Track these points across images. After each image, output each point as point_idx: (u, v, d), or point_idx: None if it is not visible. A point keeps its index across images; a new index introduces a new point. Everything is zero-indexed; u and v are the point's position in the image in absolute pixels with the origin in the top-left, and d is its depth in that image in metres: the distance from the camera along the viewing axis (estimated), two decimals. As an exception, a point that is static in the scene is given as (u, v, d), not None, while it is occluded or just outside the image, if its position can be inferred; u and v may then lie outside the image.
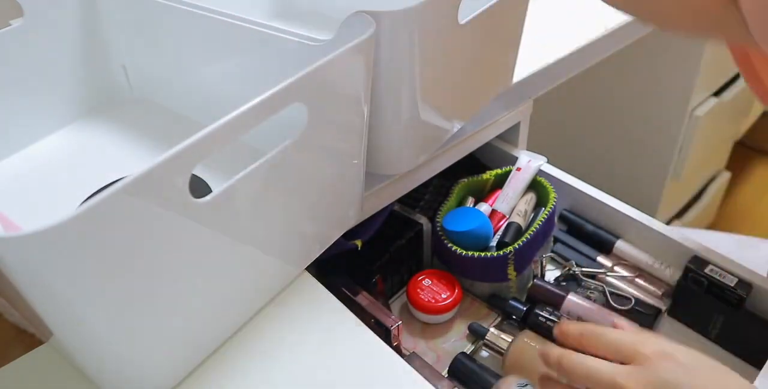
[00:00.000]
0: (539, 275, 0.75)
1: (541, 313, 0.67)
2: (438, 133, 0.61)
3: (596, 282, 0.74)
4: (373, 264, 0.69)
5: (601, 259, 0.76)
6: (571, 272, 0.75)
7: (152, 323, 0.41)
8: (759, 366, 0.60)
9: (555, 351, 0.46)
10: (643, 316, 0.67)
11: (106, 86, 0.71)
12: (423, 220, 0.73)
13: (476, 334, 0.68)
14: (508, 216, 0.74)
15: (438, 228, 0.71)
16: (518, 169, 0.76)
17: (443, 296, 0.70)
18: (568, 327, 0.48)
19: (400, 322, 0.61)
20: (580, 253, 0.77)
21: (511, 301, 0.70)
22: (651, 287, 0.72)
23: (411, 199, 0.76)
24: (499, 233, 0.72)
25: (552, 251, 0.79)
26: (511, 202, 0.74)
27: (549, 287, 0.70)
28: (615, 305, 0.69)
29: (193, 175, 0.36)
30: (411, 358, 0.64)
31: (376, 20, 0.46)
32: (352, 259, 0.66)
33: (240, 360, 0.48)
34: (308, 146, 0.45)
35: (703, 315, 0.67)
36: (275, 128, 0.47)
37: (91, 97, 0.70)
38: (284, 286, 0.53)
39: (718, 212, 1.75)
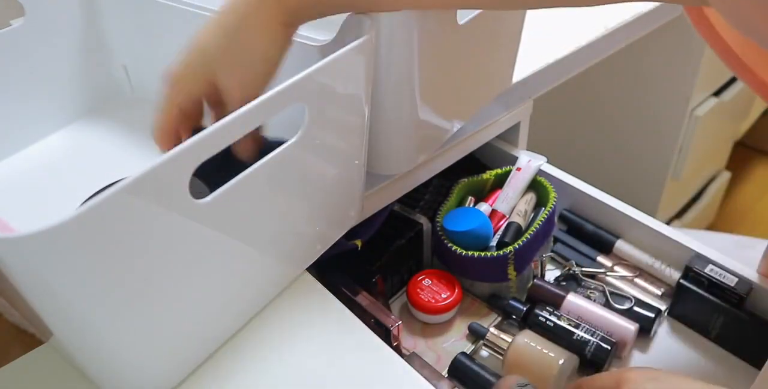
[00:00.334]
0: (539, 275, 0.75)
1: (541, 313, 0.67)
2: (438, 133, 0.61)
3: (596, 282, 0.74)
4: (373, 264, 0.69)
5: (601, 259, 0.76)
6: (571, 272, 0.75)
7: (152, 323, 0.41)
8: (759, 366, 0.60)
9: None
10: (643, 316, 0.67)
11: (107, 86, 0.71)
12: (423, 220, 0.73)
13: (476, 334, 0.68)
14: (508, 216, 0.74)
15: (438, 228, 0.71)
16: (518, 169, 0.76)
17: (443, 296, 0.70)
18: None
19: (400, 322, 0.61)
20: (580, 253, 0.78)
21: (511, 301, 0.70)
22: (651, 288, 0.72)
23: (411, 199, 0.76)
24: (499, 233, 0.72)
25: (552, 251, 0.79)
26: (511, 202, 0.74)
27: (549, 287, 0.70)
28: (615, 305, 0.69)
29: (194, 176, 0.36)
30: (411, 358, 0.64)
31: (376, 21, 0.46)
32: (352, 259, 0.65)
33: (240, 361, 0.48)
34: (309, 146, 0.45)
35: (703, 315, 0.67)
36: (276, 129, 0.47)
37: (92, 97, 0.70)
38: (285, 286, 0.53)
39: (718, 212, 1.75)
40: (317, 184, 0.49)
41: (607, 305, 0.70)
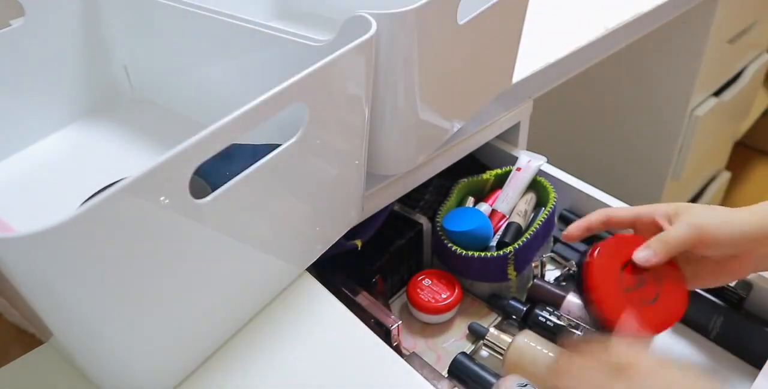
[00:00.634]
0: (539, 275, 0.75)
1: (541, 313, 0.67)
2: (438, 133, 0.61)
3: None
4: (373, 264, 0.69)
5: (601, 259, 0.76)
6: (571, 272, 0.75)
7: (152, 323, 0.41)
8: (759, 366, 0.60)
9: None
10: (643, 316, 0.67)
11: (107, 86, 0.71)
12: (423, 220, 0.73)
13: (476, 334, 0.68)
14: (508, 216, 0.74)
15: (438, 228, 0.71)
16: (518, 169, 0.76)
17: (443, 296, 0.70)
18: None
19: (400, 322, 0.61)
20: (580, 253, 0.77)
21: (511, 301, 0.70)
22: (651, 288, 0.72)
23: (411, 199, 0.76)
24: (499, 233, 0.72)
25: (552, 251, 0.79)
26: (511, 202, 0.74)
27: (549, 287, 0.70)
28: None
29: (194, 175, 0.36)
30: (411, 358, 0.64)
31: (377, 21, 0.46)
32: (352, 259, 0.66)
33: (240, 361, 0.48)
34: (309, 146, 0.45)
35: (703, 315, 0.67)
36: (276, 129, 0.47)
37: (92, 97, 0.70)
38: (285, 286, 0.53)
39: (718, 212, 1.74)
40: (317, 184, 0.49)
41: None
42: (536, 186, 0.76)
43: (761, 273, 0.64)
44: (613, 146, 1.43)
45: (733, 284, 0.64)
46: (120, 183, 0.33)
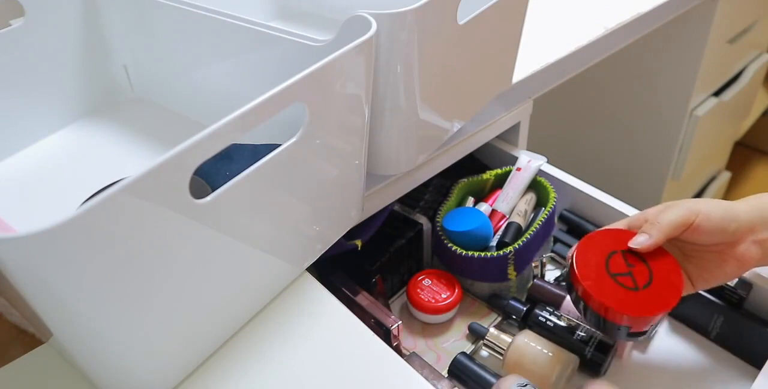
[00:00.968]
0: (539, 275, 0.75)
1: (541, 313, 0.67)
2: (438, 133, 0.61)
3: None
4: (373, 264, 0.69)
5: (601, 259, 0.76)
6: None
7: (152, 323, 0.41)
8: (759, 366, 0.60)
9: None
10: (643, 316, 0.67)
11: (107, 86, 0.71)
12: (423, 220, 0.73)
13: (476, 334, 0.68)
14: (508, 216, 0.74)
15: (438, 228, 0.71)
16: (518, 169, 0.76)
17: (443, 296, 0.70)
18: None
19: (400, 322, 0.61)
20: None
21: (511, 301, 0.70)
22: (651, 288, 0.72)
23: (411, 199, 0.76)
24: (499, 233, 0.72)
25: (552, 251, 0.79)
26: (511, 202, 0.74)
27: (549, 287, 0.70)
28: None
29: (194, 175, 0.36)
30: (411, 358, 0.64)
31: (377, 21, 0.46)
32: (352, 259, 0.66)
33: (240, 361, 0.48)
34: (309, 146, 0.45)
35: (703, 315, 0.67)
36: (276, 129, 0.47)
37: (92, 97, 0.70)
38: (285, 286, 0.53)
39: (718, 212, 1.74)
40: (317, 184, 0.49)
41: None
42: (536, 186, 0.76)
43: (761, 274, 0.64)
44: (613, 146, 1.43)
45: (732, 284, 0.64)
46: (120, 183, 0.33)
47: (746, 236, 0.54)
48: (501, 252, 0.67)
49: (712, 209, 0.53)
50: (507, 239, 0.70)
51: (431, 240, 0.75)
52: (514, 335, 0.65)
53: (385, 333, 0.60)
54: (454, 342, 0.70)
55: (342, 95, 0.46)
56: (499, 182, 0.77)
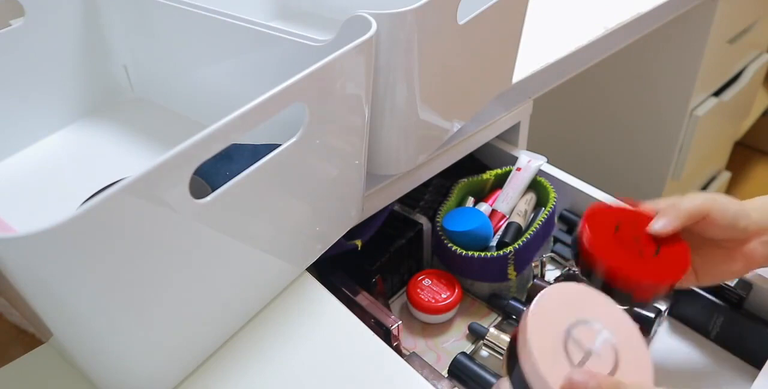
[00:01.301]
0: (539, 275, 0.75)
1: (541, 313, 0.67)
2: (438, 133, 0.61)
3: (596, 282, 0.74)
4: (373, 264, 0.69)
5: (601, 259, 0.76)
6: (571, 272, 0.75)
7: (152, 323, 0.41)
8: (759, 366, 0.60)
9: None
10: (643, 316, 0.67)
11: (107, 86, 0.71)
12: (423, 220, 0.73)
13: (476, 334, 0.68)
14: (508, 216, 0.74)
15: (438, 228, 0.71)
16: (518, 169, 0.76)
17: (443, 296, 0.70)
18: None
19: (400, 322, 0.61)
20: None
21: (511, 301, 0.70)
22: (651, 288, 0.72)
23: (411, 199, 0.76)
24: (499, 233, 0.72)
25: (552, 251, 0.79)
26: (511, 202, 0.74)
27: (549, 287, 0.70)
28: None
29: (194, 175, 0.36)
30: (411, 358, 0.64)
31: (377, 21, 0.46)
32: (352, 259, 0.66)
33: (240, 361, 0.48)
34: (309, 146, 0.45)
35: (703, 315, 0.67)
36: (276, 128, 0.47)
37: (92, 97, 0.70)
38: (285, 286, 0.53)
39: (718, 212, 1.74)
40: (317, 184, 0.49)
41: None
42: (536, 186, 0.76)
43: (761, 273, 0.64)
44: (613, 146, 1.43)
45: (732, 284, 0.64)
46: (120, 183, 0.33)
47: (756, 235, 0.55)
48: (501, 252, 0.67)
49: (727, 203, 0.54)
50: (507, 239, 0.70)
51: (431, 240, 0.75)
52: (514, 335, 0.65)
53: (385, 333, 0.60)
54: (454, 342, 0.70)
55: (342, 95, 0.46)
56: (499, 182, 0.77)
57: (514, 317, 0.69)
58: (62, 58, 0.66)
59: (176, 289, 0.41)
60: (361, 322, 0.51)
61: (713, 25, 1.13)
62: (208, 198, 0.39)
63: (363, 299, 0.63)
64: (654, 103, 1.30)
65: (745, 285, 0.64)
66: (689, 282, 0.57)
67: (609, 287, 0.53)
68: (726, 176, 1.69)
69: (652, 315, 0.67)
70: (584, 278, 0.56)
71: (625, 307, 0.61)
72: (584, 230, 0.54)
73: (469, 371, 0.63)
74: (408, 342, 0.70)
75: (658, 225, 0.54)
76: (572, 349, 0.41)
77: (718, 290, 0.65)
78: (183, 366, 0.47)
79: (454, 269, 0.73)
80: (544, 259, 0.75)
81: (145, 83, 0.72)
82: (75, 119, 0.69)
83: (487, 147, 0.79)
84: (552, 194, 0.73)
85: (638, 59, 1.26)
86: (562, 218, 0.80)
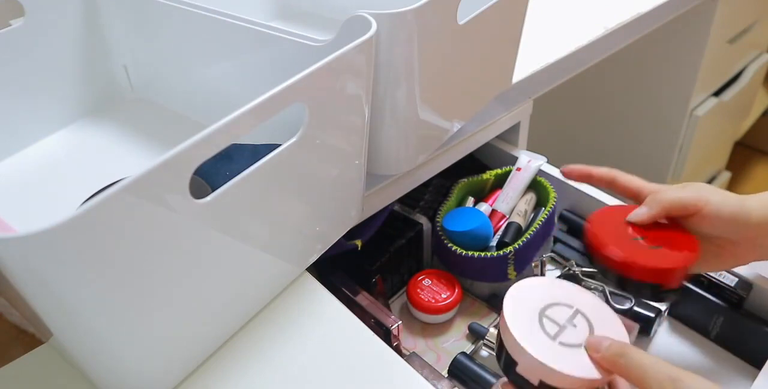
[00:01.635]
0: (539, 275, 0.75)
1: (541, 313, 0.67)
2: (438, 133, 0.61)
3: (596, 282, 0.74)
4: (373, 264, 0.69)
5: (601, 259, 0.76)
6: (571, 272, 0.75)
7: (152, 323, 0.41)
8: (759, 366, 0.60)
9: (613, 346, 0.44)
10: (643, 316, 0.67)
11: (107, 86, 0.71)
12: (423, 220, 0.73)
13: (476, 334, 0.68)
14: (508, 216, 0.74)
15: (438, 228, 0.71)
16: (518, 169, 0.76)
17: (443, 296, 0.70)
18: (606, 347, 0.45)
19: (400, 322, 0.61)
20: (580, 253, 0.78)
21: (511, 301, 0.70)
22: (651, 288, 0.72)
23: (411, 199, 0.76)
24: (499, 233, 0.72)
25: (552, 251, 0.79)
26: (511, 202, 0.74)
27: (549, 287, 0.70)
28: (615, 305, 0.69)
29: (194, 175, 0.36)
30: (411, 358, 0.64)
31: (377, 21, 0.46)
32: (352, 259, 0.66)
33: (240, 361, 0.48)
34: (309, 146, 0.45)
35: (703, 315, 0.67)
36: (276, 128, 0.47)
37: (92, 97, 0.70)
38: (285, 286, 0.53)
39: (718, 212, 1.74)
40: (317, 184, 0.49)
41: (607, 305, 0.69)
42: (536, 186, 0.76)
43: (762, 274, 0.64)
44: (613, 146, 1.43)
45: (733, 284, 0.64)
46: (120, 183, 0.33)
47: (752, 238, 0.53)
48: (501, 252, 0.67)
49: (723, 203, 0.52)
50: (507, 239, 0.70)
51: (431, 240, 0.75)
52: (514, 335, 0.65)
53: (385, 333, 0.60)
54: (454, 342, 0.70)
55: (342, 95, 0.46)
56: (499, 182, 0.77)
57: (514, 317, 0.69)
58: (62, 58, 0.66)
59: (176, 289, 0.41)
60: (361, 322, 0.51)
61: (713, 25, 1.13)
62: (208, 198, 0.39)
63: (363, 299, 0.63)
64: (654, 103, 1.30)
65: (745, 285, 0.64)
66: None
67: (626, 281, 0.53)
68: (726, 176, 1.69)
69: (653, 315, 0.67)
70: (601, 275, 0.56)
71: (648, 300, 0.61)
72: (590, 229, 0.55)
73: (469, 371, 0.63)
74: (408, 342, 0.70)
75: (636, 214, 0.55)
76: (548, 324, 0.46)
77: (718, 290, 0.65)
78: (183, 366, 0.47)
79: (454, 269, 0.73)
80: (544, 259, 0.75)
81: (145, 83, 0.72)
82: (75, 119, 0.69)
83: (487, 147, 0.79)
84: (552, 194, 0.73)
85: (638, 59, 1.26)
86: (562, 218, 0.80)
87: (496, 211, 0.74)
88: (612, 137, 1.42)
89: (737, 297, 0.64)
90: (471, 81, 0.62)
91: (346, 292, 0.63)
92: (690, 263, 0.52)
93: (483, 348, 0.67)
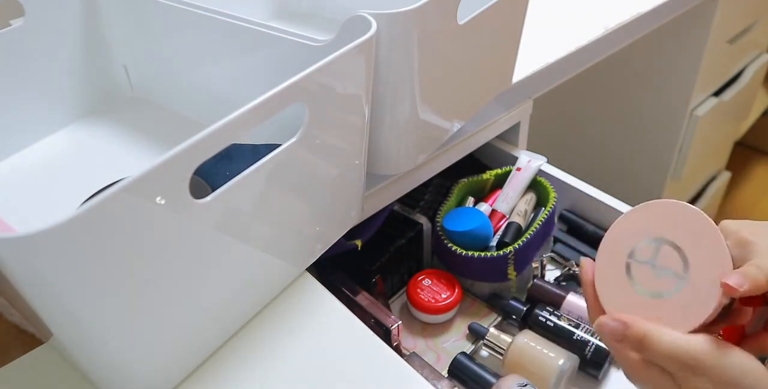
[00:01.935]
0: (539, 275, 0.75)
1: (541, 313, 0.67)
2: (438, 133, 0.61)
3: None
4: (373, 264, 0.69)
5: (601, 259, 0.76)
6: (571, 272, 0.75)
7: (152, 323, 0.41)
8: (759, 366, 0.60)
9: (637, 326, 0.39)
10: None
11: (107, 86, 0.71)
12: (423, 220, 0.73)
13: (476, 334, 0.68)
14: (508, 216, 0.74)
15: (438, 228, 0.71)
16: (518, 169, 0.76)
17: (443, 296, 0.70)
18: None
19: (400, 322, 0.61)
20: (580, 253, 0.78)
21: (511, 301, 0.70)
22: (651, 288, 0.72)
23: (411, 199, 0.76)
24: (499, 233, 0.72)
25: (552, 251, 0.79)
26: (511, 202, 0.74)
27: (549, 287, 0.70)
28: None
29: (194, 175, 0.36)
30: (411, 358, 0.64)
31: (377, 21, 0.46)
32: (352, 259, 0.66)
33: (240, 361, 0.48)
34: (309, 146, 0.45)
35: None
36: (276, 128, 0.47)
37: (92, 97, 0.70)
38: (285, 286, 0.53)
39: (718, 213, 1.75)
40: (317, 184, 0.49)
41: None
42: (536, 186, 0.76)
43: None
44: (613, 146, 1.43)
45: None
46: (120, 183, 0.33)
47: None
48: (501, 252, 0.67)
49: None
50: (507, 239, 0.70)
51: (431, 240, 0.75)
52: (514, 335, 0.65)
53: (385, 333, 0.60)
54: (454, 342, 0.70)
55: (342, 95, 0.46)
56: (499, 182, 0.77)
57: (514, 317, 0.69)
58: (62, 58, 0.66)
59: (176, 289, 0.41)
60: (361, 322, 0.51)
61: (713, 25, 1.13)
62: (208, 198, 0.39)
63: (363, 299, 0.63)
64: (654, 103, 1.30)
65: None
66: None
67: None
68: (726, 176, 1.69)
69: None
70: None
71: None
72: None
73: (469, 371, 0.63)
74: (408, 342, 0.70)
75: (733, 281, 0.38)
76: (636, 270, 0.41)
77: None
78: (183, 366, 0.47)
79: (454, 269, 0.73)
80: (544, 259, 0.75)
81: (145, 83, 0.72)
82: (75, 119, 0.69)
83: (487, 147, 0.79)
84: (552, 194, 0.73)
85: (638, 59, 1.26)
86: (562, 218, 0.80)
87: (496, 211, 0.74)
88: (612, 137, 1.42)
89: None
90: (471, 81, 0.62)
91: (346, 292, 0.63)
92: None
93: (483, 348, 0.67)
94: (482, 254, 0.68)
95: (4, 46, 0.60)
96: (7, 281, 0.35)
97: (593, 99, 1.40)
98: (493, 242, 0.71)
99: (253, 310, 0.51)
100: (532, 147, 0.83)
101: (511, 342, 0.64)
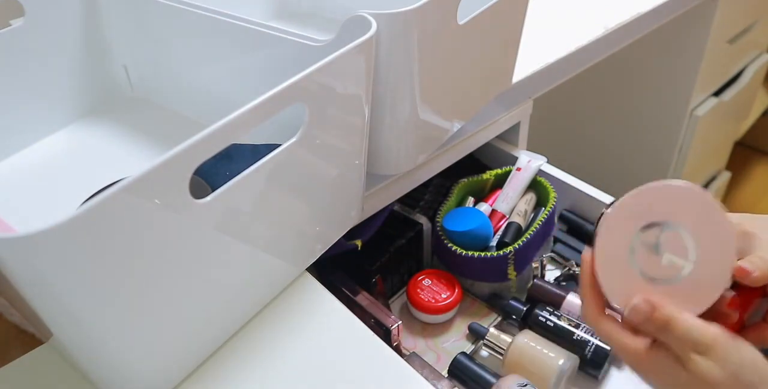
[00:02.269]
0: (539, 275, 0.75)
1: (541, 313, 0.67)
2: (438, 133, 0.61)
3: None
4: (373, 264, 0.69)
5: (601, 259, 0.76)
6: (571, 272, 0.75)
7: (152, 323, 0.41)
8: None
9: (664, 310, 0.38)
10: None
11: (107, 86, 0.71)
12: (423, 220, 0.73)
13: (476, 334, 0.68)
14: (508, 216, 0.74)
15: (438, 228, 0.71)
16: (518, 169, 0.76)
17: (443, 296, 0.70)
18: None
19: (400, 322, 0.61)
20: (580, 253, 0.77)
21: (511, 301, 0.70)
22: (651, 288, 0.72)
23: (411, 199, 0.76)
24: (499, 233, 0.72)
25: (552, 251, 0.79)
26: (511, 202, 0.74)
27: (549, 287, 0.70)
28: (615, 305, 0.69)
29: (194, 175, 0.36)
30: (411, 358, 0.64)
31: (377, 21, 0.46)
32: (352, 259, 0.66)
33: (240, 361, 0.48)
34: (309, 146, 0.45)
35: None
36: (276, 128, 0.47)
37: (92, 97, 0.70)
38: (285, 286, 0.53)
39: (718, 212, 1.74)
40: (317, 184, 0.49)
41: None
42: (536, 186, 0.76)
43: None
44: (613, 146, 1.43)
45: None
46: (120, 183, 0.33)
47: None
48: (501, 252, 0.67)
49: None
50: (507, 239, 0.70)
51: (431, 240, 0.75)
52: (514, 335, 0.65)
53: (385, 333, 0.60)
54: (454, 342, 0.70)
55: (342, 95, 0.46)
56: (499, 182, 0.77)
57: (514, 317, 0.69)
58: (62, 58, 0.66)
59: (176, 289, 0.41)
60: (361, 322, 0.51)
61: (713, 25, 1.13)
62: (208, 198, 0.39)
63: (363, 299, 0.63)
64: (654, 103, 1.30)
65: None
66: None
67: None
68: (726, 176, 1.69)
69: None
70: None
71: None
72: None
73: (469, 371, 0.63)
74: (408, 342, 0.70)
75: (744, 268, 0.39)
76: (639, 255, 0.40)
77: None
78: (183, 366, 0.47)
79: (454, 269, 0.73)
80: (544, 259, 0.75)
81: (145, 83, 0.72)
82: (75, 119, 0.69)
83: (487, 147, 0.79)
84: (552, 194, 0.73)
85: (638, 59, 1.26)
86: (562, 218, 0.80)
87: (496, 211, 0.74)
88: (612, 136, 1.42)
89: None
90: (471, 81, 0.62)
91: (346, 292, 0.63)
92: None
93: (483, 348, 0.67)
94: (482, 254, 0.68)
95: (4, 46, 0.60)
96: (7, 281, 0.35)
97: (593, 99, 1.40)
98: (493, 242, 0.71)
99: (253, 310, 0.51)
100: (532, 147, 0.83)
101: (511, 342, 0.64)
